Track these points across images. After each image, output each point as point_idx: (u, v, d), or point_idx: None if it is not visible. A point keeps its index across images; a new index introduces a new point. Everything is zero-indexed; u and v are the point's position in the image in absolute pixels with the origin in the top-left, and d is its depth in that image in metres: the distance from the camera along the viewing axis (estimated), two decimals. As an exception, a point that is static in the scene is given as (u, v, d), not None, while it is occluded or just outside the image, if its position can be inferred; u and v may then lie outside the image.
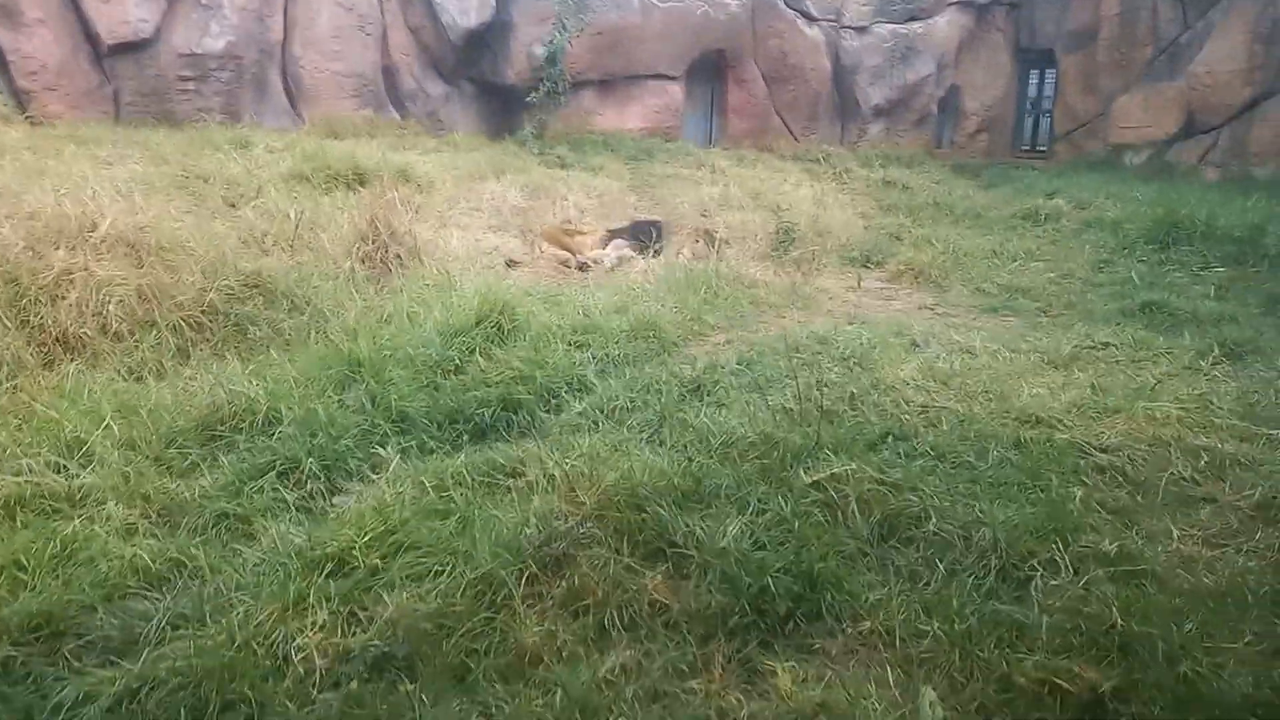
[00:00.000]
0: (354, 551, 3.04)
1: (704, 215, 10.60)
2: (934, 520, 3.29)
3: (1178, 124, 15.71)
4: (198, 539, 3.28)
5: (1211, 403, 4.68)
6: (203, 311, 5.22)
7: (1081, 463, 3.88)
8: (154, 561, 3.05)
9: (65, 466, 3.57)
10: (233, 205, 7.62)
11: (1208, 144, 15.22)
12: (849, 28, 17.24)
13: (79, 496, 3.43)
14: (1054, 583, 2.97)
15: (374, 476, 3.80)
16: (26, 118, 9.63)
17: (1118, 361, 5.56)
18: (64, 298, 4.78)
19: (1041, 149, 19.61)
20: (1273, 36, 13.93)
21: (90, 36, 10.52)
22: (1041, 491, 3.58)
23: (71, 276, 4.87)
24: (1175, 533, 3.37)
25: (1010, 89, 19.75)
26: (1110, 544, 3.16)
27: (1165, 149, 15.98)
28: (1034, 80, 19.97)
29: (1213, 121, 15.08)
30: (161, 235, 5.58)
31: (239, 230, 6.77)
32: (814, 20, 16.84)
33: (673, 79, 15.56)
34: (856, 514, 3.36)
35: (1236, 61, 14.40)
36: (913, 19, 17.77)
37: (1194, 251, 9.16)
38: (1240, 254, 8.90)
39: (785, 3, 16.48)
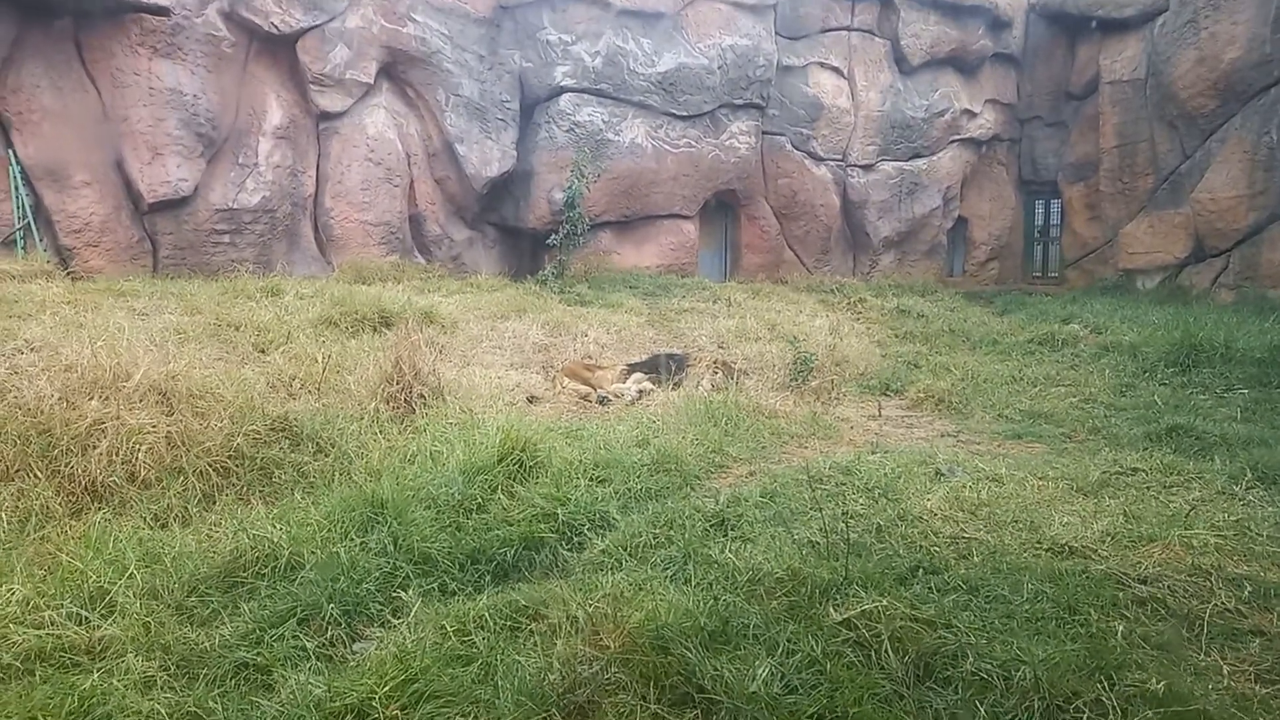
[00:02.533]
0: (373, 702, 2.96)
1: (721, 347, 10.75)
2: (971, 659, 3.17)
3: (1187, 249, 15.99)
4: (216, 690, 3.20)
5: (1249, 529, 4.56)
6: (229, 456, 5.27)
7: (1120, 595, 3.76)
8: (171, 716, 2.98)
9: (87, 618, 3.55)
10: (262, 351, 7.82)
11: (1219, 267, 15.44)
12: (855, 166, 17.93)
13: (99, 648, 3.38)
14: (1102, 725, 2.83)
15: (395, 621, 3.73)
16: (68, 273, 10.06)
17: (1148, 487, 5.46)
18: (95, 447, 4.86)
19: (1053, 275, 19.96)
20: (1271, 163, 14.33)
21: (132, 196, 11.11)
22: (1081, 626, 3.45)
23: (103, 426, 4.97)
24: (1225, 669, 3.23)
25: (1017, 219, 20.31)
26: (1158, 682, 3.02)
27: (1177, 273, 16.22)
28: (1040, 210, 20.56)
29: (1221, 245, 15.34)
30: (192, 383, 5.71)
31: (267, 375, 6.92)
32: (821, 160, 17.54)
33: (687, 218, 16.12)
34: (890, 653, 3.24)
35: (1238, 188, 14.78)
36: (916, 156, 18.49)
37: (1215, 374, 9.15)
38: (1263, 376, 8.88)
39: (792, 144, 17.22)
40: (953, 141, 18.93)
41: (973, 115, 19.03)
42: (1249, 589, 3.80)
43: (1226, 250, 15.28)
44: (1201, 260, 15.80)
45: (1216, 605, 3.67)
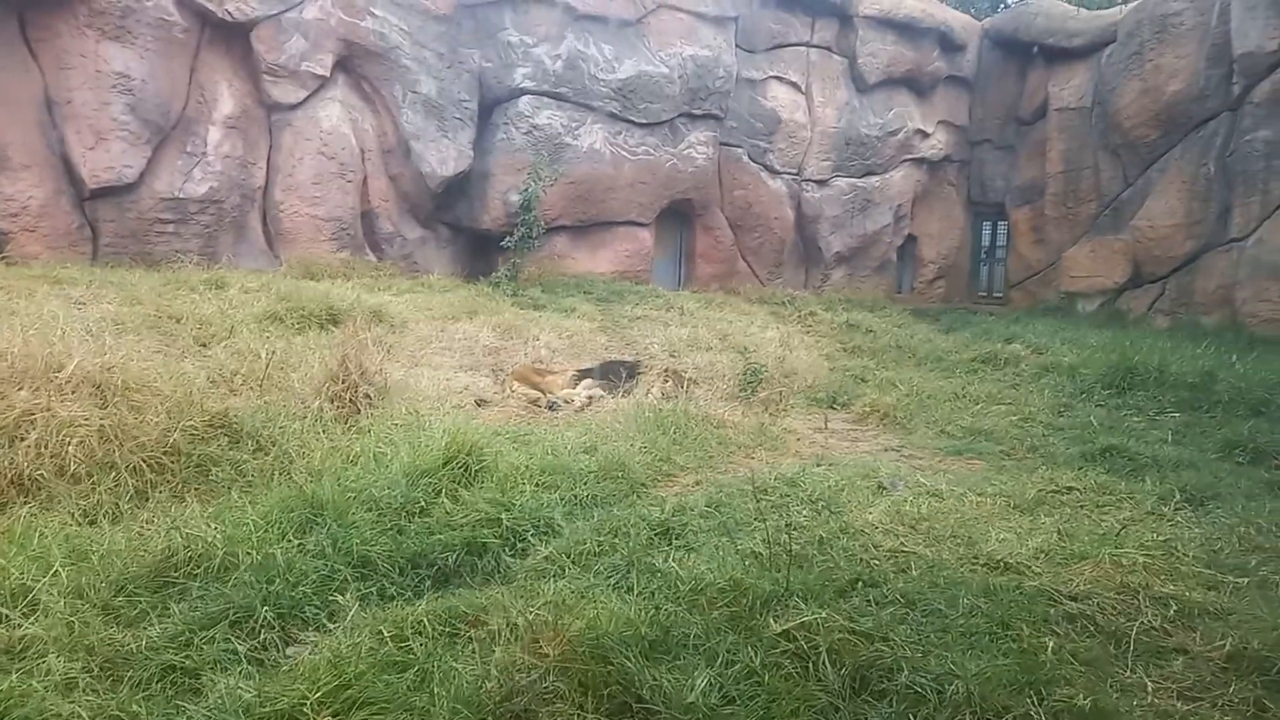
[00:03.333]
0: (305, 708, 2.90)
1: (673, 356, 10.79)
2: (907, 672, 3.22)
3: (1125, 274, 16.50)
4: (141, 694, 3.11)
5: (1176, 549, 4.71)
6: (165, 452, 5.13)
7: (1051, 611, 3.85)
8: (93, 719, 2.89)
9: (7, 616, 3.42)
10: (204, 345, 7.64)
11: (1156, 293, 15.96)
12: (810, 180, 18.16)
13: (19, 648, 3.26)
14: (1030, 739, 2.90)
15: (331, 626, 3.67)
16: (2, 258, 9.71)
17: (1082, 506, 5.61)
18: (23, 439, 4.69)
19: (998, 295, 20.43)
20: (1208, 194, 14.85)
21: (74, 180, 10.77)
22: (1013, 641, 3.53)
23: (33, 417, 4.80)
24: (1150, 686, 3.32)
25: (965, 239, 20.76)
26: (1085, 699, 3.10)
27: (1116, 297, 16.72)
28: (987, 231, 21.05)
29: (1159, 272, 15.86)
30: (128, 375, 5.55)
31: (208, 370, 6.77)
32: (777, 173, 17.74)
33: (643, 225, 16.16)
34: (828, 665, 3.28)
35: (1176, 216, 15.29)
36: (870, 173, 18.80)
37: (1149, 397, 9.45)
38: (1194, 400, 9.18)
39: (749, 157, 17.37)
40: (905, 160, 19.28)
41: (925, 135, 19.41)
42: (1174, 608, 3.92)
43: (1163, 277, 15.80)
44: (1139, 285, 16.32)
45: (1143, 623, 3.78)
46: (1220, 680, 3.38)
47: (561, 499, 5.22)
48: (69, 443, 4.79)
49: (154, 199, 11.28)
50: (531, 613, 3.52)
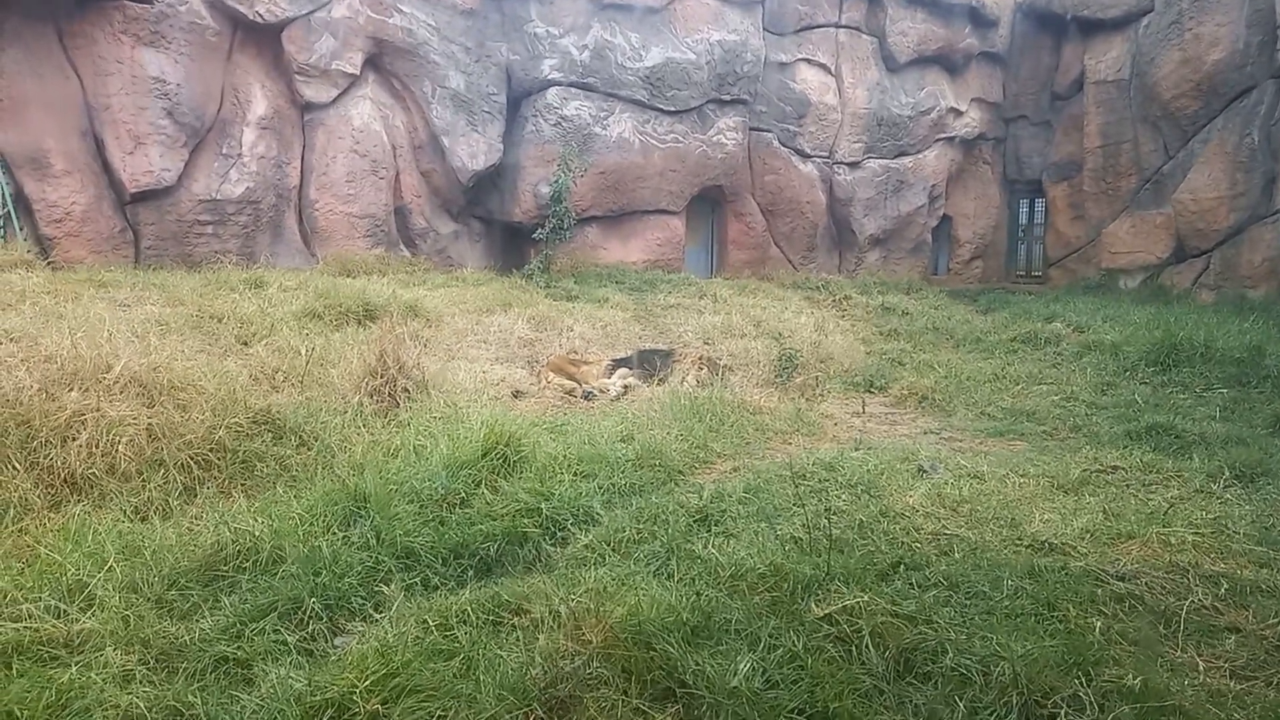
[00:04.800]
0: (354, 696, 2.95)
1: (707, 343, 10.77)
2: (951, 654, 3.20)
3: (1168, 249, 16.13)
4: (196, 684, 3.19)
5: (1227, 527, 4.62)
6: (211, 449, 5.24)
7: (1099, 591, 3.80)
8: (150, 710, 2.96)
9: (65, 611, 3.52)
10: (245, 343, 7.76)
11: (1200, 267, 15.58)
12: (842, 163, 17.96)
13: (78, 642, 3.36)
14: (1079, 720, 2.86)
15: (377, 616, 3.73)
16: (48, 263, 9.94)
17: (1128, 485, 5.52)
18: (74, 439, 4.82)
19: (1036, 274, 20.09)
20: (1252, 164, 14.45)
21: (114, 185, 10.99)
22: (1060, 622, 3.49)
23: (83, 418, 4.92)
24: (1201, 665, 3.27)
25: (1001, 217, 20.42)
26: (1135, 678, 3.06)
27: (1159, 273, 16.35)
28: (1024, 209, 20.68)
29: (1202, 246, 15.48)
30: (174, 375, 5.67)
31: (250, 368, 6.88)
32: (807, 157, 17.57)
33: (674, 213, 16.11)
34: (870, 648, 3.27)
35: (1219, 189, 14.91)
36: (902, 154, 18.55)
37: (1195, 373, 9.25)
38: (1242, 375, 8.97)
39: (779, 141, 17.22)
40: (938, 140, 18.99)
41: (958, 114, 19.10)
42: (1225, 586, 3.85)
43: (1207, 251, 15.41)
44: (1183, 260, 15.94)
45: (1193, 602, 3.72)
46: (1274, 659, 3.32)
47: (600, 488, 5.25)
48: (119, 442, 4.91)
49: (192, 201, 11.48)
50: (573, 600, 3.54)
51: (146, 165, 11.00)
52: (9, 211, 10.26)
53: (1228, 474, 5.66)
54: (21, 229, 10.37)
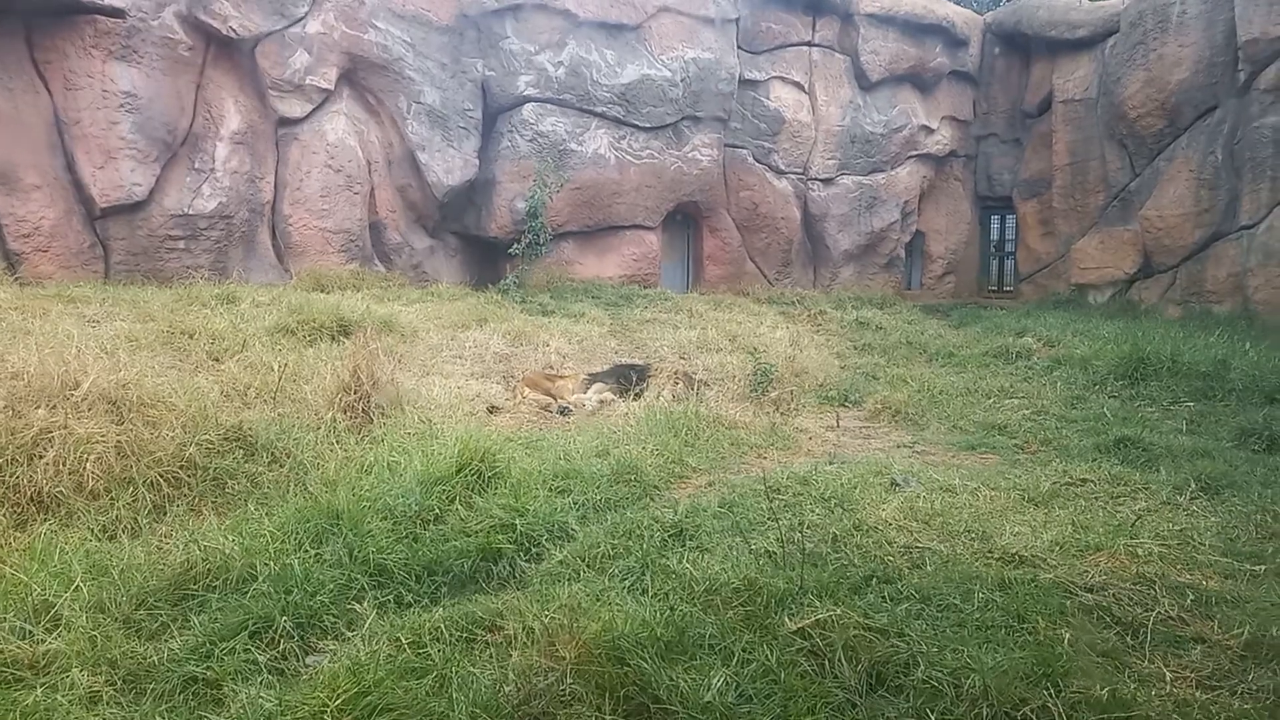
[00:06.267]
0: (326, 716, 2.93)
1: (683, 358, 10.80)
2: (923, 667, 3.23)
3: (1135, 264, 16.41)
4: (164, 706, 3.15)
5: (1193, 539, 4.70)
6: (181, 467, 5.18)
7: (1067, 603, 3.85)
8: (116, 732, 2.92)
9: (31, 632, 3.46)
10: (217, 360, 7.69)
11: (1167, 283, 15.86)
12: (816, 179, 18.15)
13: (43, 663, 3.30)
14: (1048, 731, 2.89)
15: (349, 634, 3.69)
16: (15, 279, 9.81)
17: (1096, 498, 5.60)
18: (41, 456, 4.75)
19: (1007, 289, 20.37)
20: (1216, 182, 14.76)
21: (84, 199, 10.88)
22: (1029, 634, 3.53)
23: (50, 435, 4.85)
24: (1168, 675, 3.31)
25: (973, 233, 20.71)
26: (1102, 689, 3.10)
27: (1126, 288, 16.63)
28: (995, 225, 20.99)
29: (1169, 262, 15.77)
30: (143, 391, 5.60)
31: (222, 384, 6.82)
32: (782, 173, 17.73)
33: (649, 229, 16.19)
34: (843, 662, 3.28)
35: (1184, 205, 15.21)
36: (875, 170, 18.77)
37: (1162, 387, 9.41)
38: (1208, 389, 9.13)
39: (754, 157, 17.38)
40: (911, 157, 19.25)
41: (930, 131, 19.37)
42: (1191, 597, 3.91)
43: (1174, 266, 15.70)
44: (1150, 276, 16.23)
45: (1160, 613, 3.77)
46: (1239, 668, 3.38)
47: (575, 503, 5.24)
48: (86, 459, 4.84)
49: (164, 216, 11.38)
50: (547, 616, 3.53)
51: (117, 180, 10.90)
52: (-24, 226, 10.11)
53: (1194, 486, 5.76)
54: (-12, 244, 10.22)
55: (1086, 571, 4.17)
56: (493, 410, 8.20)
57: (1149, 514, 5.17)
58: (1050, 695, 3.05)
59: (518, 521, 4.79)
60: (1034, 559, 4.35)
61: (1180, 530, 4.83)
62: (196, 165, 11.74)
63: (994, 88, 19.98)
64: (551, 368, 9.87)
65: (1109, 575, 4.12)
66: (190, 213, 11.57)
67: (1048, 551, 4.44)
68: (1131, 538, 4.57)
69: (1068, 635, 3.51)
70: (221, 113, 12.03)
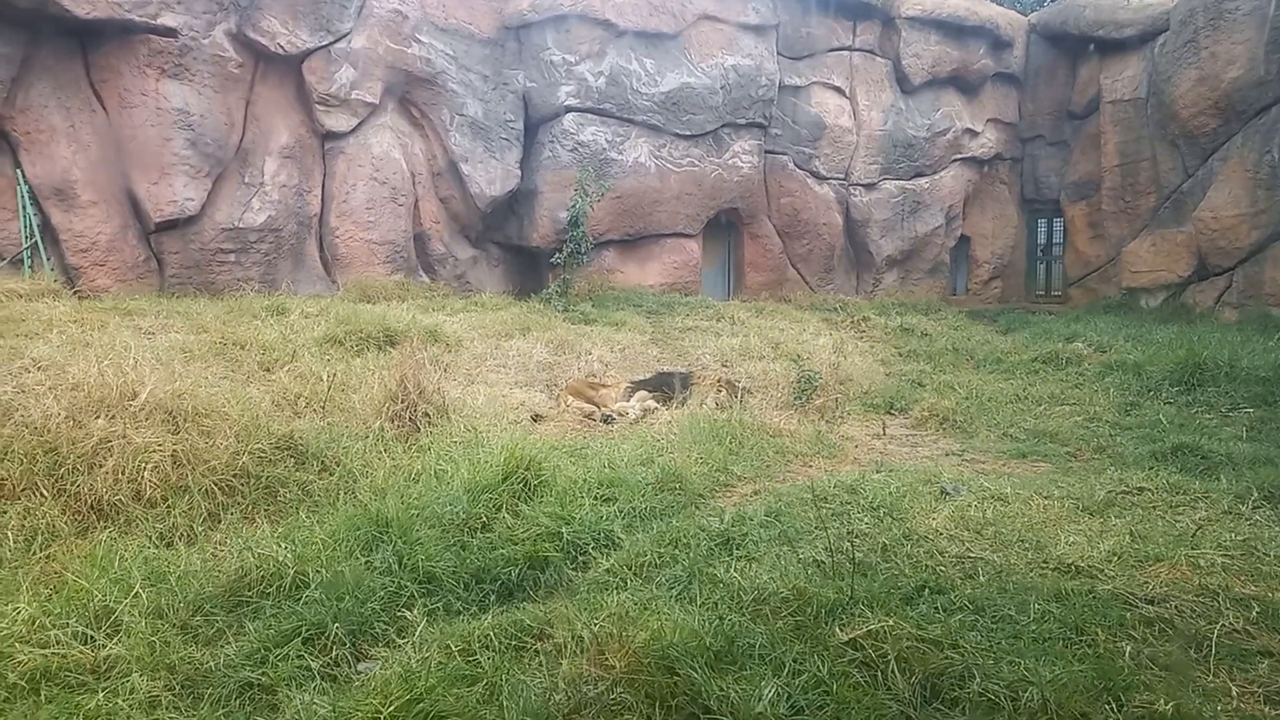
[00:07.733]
0: (379, 723, 2.96)
1: (725, 366, 10.76)
2: (978, 679, 3.16)
3: (1190, 267, 16.01)
4: (221, 711, 3.20)
5: (1256, 549, 4.55)
6: (235, 475, 5.28)
7: (1127, 615, 3.75)
8: (175, 736, 2.98)
9: (92, 637, 3.55)
10: (268, 370, 7.83)
11: (1223, 286, 15.45)
12: (858, 184, 18.00)
13: (104, 668, 3.38)
14: (1111, 747, 2.82)
15: (400, 641, 3.73)
16: (75, 292, 10.10)
17: (1154, 507, 5.44)
18: (101, 465, 4.87)
19: (1056, 293, 19.99)
20: (1273, 182, 14.35)
21: (139, 215, 11.17)
22: (1088, 647, 3.44)
23: (109, 444, 4.98)
24: (1234, 690, 3.21)
25: (1019, 237, 20.37)
26: (1167, 704, 3.01)
27: (1180, 291, 16.22)
28: (1042, 228, 20.62)
29: (1224, 264, 15.36)
30: (198, 401, 5.72)
31: (273, 394, 6.93)
32: (824, 179, 17.61)
33: (690, 236, 16.17)
34: (896, 673, 3.23)
35: (1240, 206, 14.81)
36: (919, 175, 18.56)
37: (1220, 393, 9.15)
38: (1268, 394, 8.87)
39: (795, 163, 17.29)
40: (955, 160, 19.01)
41: (974, 134, 19.11)
42: (1257, 609, 3.79)
43: (1229, 269, 15.29)
44: (1205, 279, 15.82)
45: (1224, 626, 3.66)
46: (1310, 684, 3.26)
47: (620, 511, 5.24)
48: (144, 468, 4.96)
49: (215, 230, 11.64)
50: (596, 625, 3.53)
51: (170, 195, 11.17)
52: (36, 242, 10.43)
53: (1256, 495, 5.57)
54: (49, 259, 10.54)
55: (1146, 583, 4.06)
56: (537, 419, 8.24)
57: (1210, 523, 5.02)
58: (1112, 710, 2.98)
59: (564, 530, 4.80)
60: (1091, 570, 4.25)
61: (1243, 540, 4.67)
62: (246, 180, 11.99)
63: (1039, 89, 19.66)
64: (594, 376, 9.89)
65: (1170, 587, 4.01)
66: (241, 226, 11.82)
67: (1105, 562, 4.33)
68: (1193, 548, 4.45)
69: (1129, 648, 3.43)
70: (270, 128, 12.28)
